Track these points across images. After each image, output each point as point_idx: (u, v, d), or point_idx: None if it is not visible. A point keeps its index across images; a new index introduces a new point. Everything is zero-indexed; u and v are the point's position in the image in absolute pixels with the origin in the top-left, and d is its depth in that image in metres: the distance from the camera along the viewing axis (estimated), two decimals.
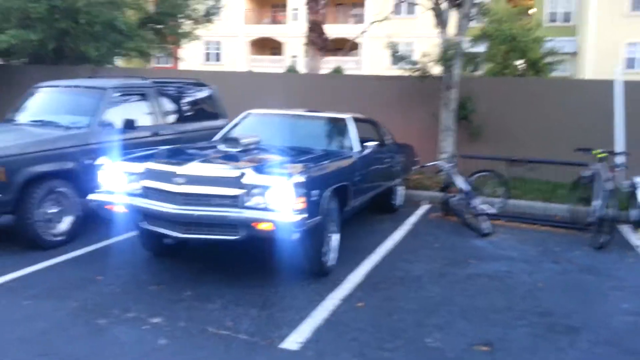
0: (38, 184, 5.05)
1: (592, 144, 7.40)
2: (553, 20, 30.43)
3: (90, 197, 4.52)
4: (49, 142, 5.24)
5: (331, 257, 4.76)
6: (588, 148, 6.81)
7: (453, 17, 9.05)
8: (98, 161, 4.54)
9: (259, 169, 4.14)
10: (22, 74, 12.11)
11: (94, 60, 12.61)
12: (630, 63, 26.36)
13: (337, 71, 25.87)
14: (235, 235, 4.06)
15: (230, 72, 16.49)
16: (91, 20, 11.18)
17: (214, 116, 7.75)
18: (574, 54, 29.35)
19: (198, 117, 7.46)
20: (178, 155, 4.73)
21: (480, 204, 6.91)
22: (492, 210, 7.16)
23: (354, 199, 5.22)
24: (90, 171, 5.43)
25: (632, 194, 7.06)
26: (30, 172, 4.97)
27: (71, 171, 5.39)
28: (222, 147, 4.75)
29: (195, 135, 6.91)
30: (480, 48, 23.74)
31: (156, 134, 6.51)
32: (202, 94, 7.79)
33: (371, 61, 32.00)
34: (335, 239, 4.88)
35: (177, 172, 4.07)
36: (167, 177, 4.11)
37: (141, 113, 6.43)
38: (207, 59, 34.90)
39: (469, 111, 9.32)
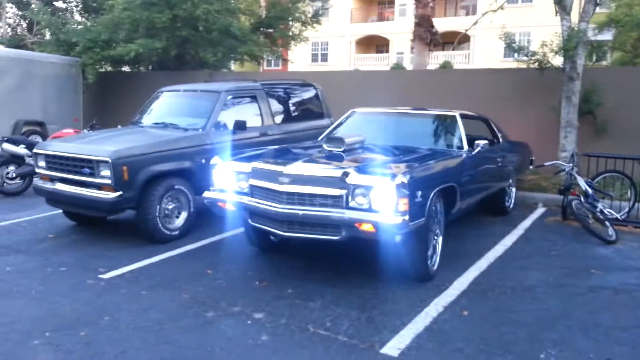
0: (159, 182, 5.45)
1: None
2: None
3: (205, 194, 4.78)
4: (168, 143, 5.64)
5: (435, 261, 4.59)
6: None
7: (576, 2, 8.32)
8: (212, 161, 4.78)
9: (362, 169, 4.09)
10: (148, 80, 13.24)
11: (212, 65, 13.42)
12: None
13: (445, 66, 25.09)
14: (337, 236, 4.05)
15: (336, 72, 16.65)
16: (209, 27, 11.88)
17: (320, 116, 7.85)
18: None
19: (304, 116, 7.60)
20: (284, 155, 4.84)
21: (606, 207, 6.27)
22: (621, 215, 6.47)
23: (462, 201, 4.97)
24: (205, 170, 5.78)
25: None
26: (151, 171, 5.38)
27: (188, 170, 5.75)
28: (326, 146, 4.76)
29: (301, 134, 7.05)
30: (606, 36, 21.67)
31: (265, 134, 6.73)
32: (308, 94, 7.92)
33: (483, 54, 30.57)
34: (439, 242, 4.70)
35: (283, 172, 4.15)
36: (273, 176, 4.21)
37: (251, 114, 6.69)
38: (315, 60, 35.60)
39: (594, 105, 8.49)
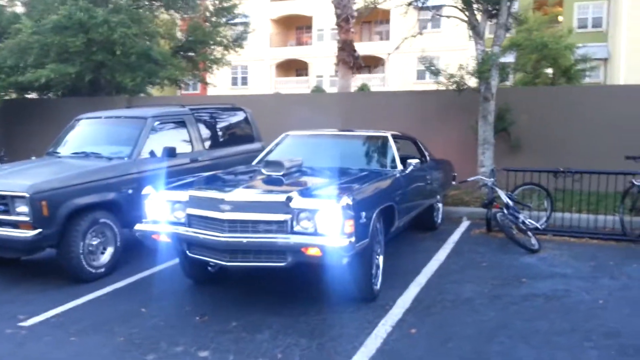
0: (82, 216, 5.08)
1: (637, 151, 7.09)
2: (583, 27, 29.84)
3: (137, 227, 4.50)
4: (91, 174, 5.28)
5: (378, 281, 4.61)
6: (639, 156, 6.51)
7: (487, 28, 8.91)
8: (144, 190, 4.52)
9: (306, 192, 4.05)
10: (60, 107, 12.46)
11: (129, 90, 12.89)
12: None
13: (363, 88, 25.88)
14: (283, 262, 3.96)
15: (257, 95, 16.62)
16: (127, 51, 11.43)
17: (250, 139, 7.75)
18: (605, 60, 28.66)
19: (235, 141, 7.47)
20: (221, 181, 4.69)
21: (526, 218, 6.66)
22: (540, 225, 6.89)
23: (399, 219, 5.08)
24: (132, 201, 5.48)
25: None
26: (73, 205, 5.00)
27: (114, 201, 5.42)
28: (265, 171, 4.68)
29: (233, 159, 6.90)
30: (509, 58, 23.41)
31: (195, 160, 6.52)
32: (238, 117, 7.81)
33: (397, 77, 31.92)
34: (381, 261, 4.74)
35: (224, 199, 4.01)
36: (213, 204, 4.06)
37: (180, 140, 6.47)
38: (235, 83, 35.41)
39: (508, 123, 9.09)
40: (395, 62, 30.85)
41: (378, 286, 4.62)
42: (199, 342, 3.80)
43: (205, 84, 16.42)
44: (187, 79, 15.70)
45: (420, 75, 31.89)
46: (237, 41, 14.75)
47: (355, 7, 12.00)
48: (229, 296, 4.72)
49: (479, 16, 8.68)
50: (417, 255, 6.00)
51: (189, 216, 4.22)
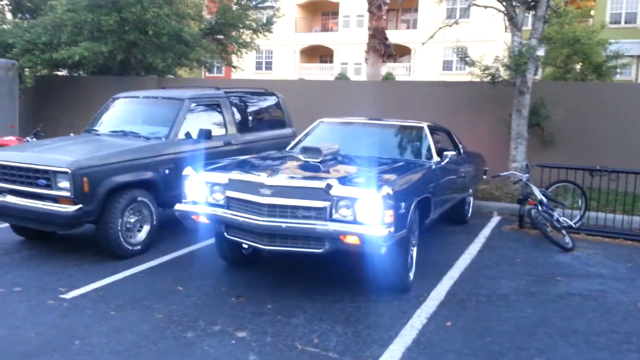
0: (121, 194, 5.14)
1: None
2: (616, 22, 29.11)
3: (177, 207, 4.54)
4: (130, 153, 5.34)
5: (412, 272, 4.60)
6: None
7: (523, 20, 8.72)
8: (184, 172, 4.56)
9: (346, 180, 4.04)
10: (92, 85, 12.62)
11: (159, 70, 12.98)
12: None
13: (388, 77, 25.63)
14: (320, 248, 3.97)
15: (281, 80, 16.60)
16: (158, 31, 11.49)
17: (282, 125, 7.75)
18: (638, 57, 27.94)
19: (267, 126, 7.48)
20: (260, 165, 4.70)
21: (560, 216, 6.57)
22: (574, 223, 6.79)
23: (434, 211, 5.04)
24: (168, 181, 5.54)
25: None
26: (113, 182, 5.07)
27: (151, 181, 5.47)
28: (302, 157, 4.67)
29: (264, 144, 6.93)
30: (540, 52, 22.97)
31: (229, 144, 6.55)
32: (270, 102, 7.80)
33: (423, 67, 31.56)
34: (415, 252, 4.73)
35: (265, 183, 4.02)
36: (253, 187, 4.07)
37: (215, 123, 6.49)
38: (259, 68, 35.39)
39: (542, 118, 8.92)
40: (421, 52, 30.48)
41: (412, 277, 4.61)
42: (236, 322, 3.84)
43: (233, 67, 16.41)
44: (215, 61, 15.74)
45: (447, 66, 31.50)
46: (266, 25, 14.71)
47: None
48: (263, 279, 4.76)
49: (517, 7, 8.50)
50: (449, 248, 5.96)
51: (228, 198, 4.24)
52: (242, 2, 14.67)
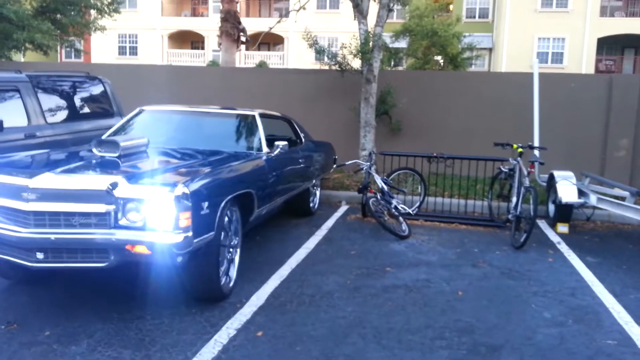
0: None
1: (509, 139, 7.28)
2: (471, 17, 31.34)
3: None
4: None
5: (231, 276, 4.15)
6: (507, 143, 6.64)
7: (373, 8, 8.68)
8: None
9: (135, 178, 3.43)
10: None
11: None
12: (542, 57, 27.58)
13: (261, 65, 25.15)
14: (104, 262, 3.35)
15: (145, 66, 15.34)
16: None
17: (108, 114, 6.88)
18: (490, 50, 30.38)
19: (88, 115, 6.58)
20: (37, 162, 3.91)
21: (400, 203, 6.56)
22: (412, 210, 6.85)
23: (261, 207, 4.63)
24: None
25: (549, 189, 6.99)
26: None
27: None
28: (97, 151, 3.98)
29: (84, 135, 6.08)
30: (402, 44, 23.93)
31: (32, 136, 5.59)
32: (94, 89, 6.88)
33: (296, 57, 31.50)
34: (236, 254, 4.28)
35: (29, 186, 3.28)
36: (16, 191, 3.31)
37: (12, 111, 5.49)
38: (122, 53, 32.87)
39: (389, 106, 9.00)
40: (295, 41, 30.35)
41: (232, 282, 4.16)
42: None
43: (77, 50, 14.78)
44: (55, 44, 14.02)
45: (318, 56, 31.76)
46: (113, 4, 13.37)
47: None
48: (50, 298, 4.00)
49: None
50: (287, 243, 5.63)
51: None
52: None
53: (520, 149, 6.42)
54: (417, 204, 7.05)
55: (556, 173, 6.62)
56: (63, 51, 27.39)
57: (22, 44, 12.06)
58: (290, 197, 5.72)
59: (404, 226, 6.09)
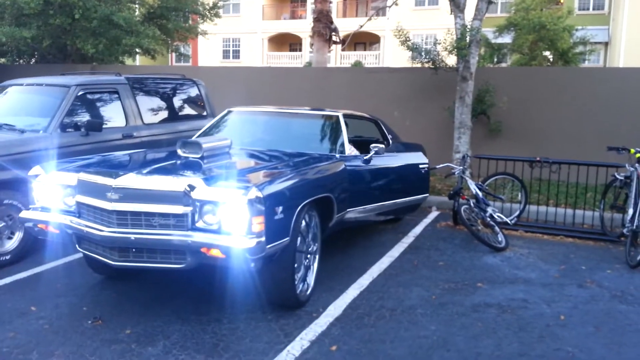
0: None
1: (626, 143, 6.45)
2: (585, 9, 28.89)
3: (22, 214, 3.85)
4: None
5: (309, 283, 4.00)
6: (623, 147, 5.87)
7: (471, 2, 8.16)
8: (31, 171, 3.87)
9: (213, 180, 3.39)
10: (15, 74, 11.69)
11: (97, 58, 12.12)
12: None
13: (357, 65, 25.01)
14: (181, 263, 3.34)
15: (237, 68, 15.86)
16: (88, 15, 10.64)
17: (202, 116, 7.06)
18: (606, 44, 27.81)
19: (183, 117, 6.79)
20: (122, 162, 4.02)
21: (496, 212, 6.05)
22: (510, 220, 6.29)
23: (341, 212, 4.44)
24: None
25: None
26: None
27: (23, 180, 4.74)
28: (181, 152, 4.02)
29: (179, 136, 6.20)
30: (507, 39, 22.54)
31: (129, 137, 5.86)
32: (189, 91, 7.09)
33: (392, 55, 31.00)
34: (315, 260, 4.13)
35: (112, 185, 3.36)
36: (101, 191, 3.41)
37: (112, 113, 5.80)
38: (226, 57, 34.40)
39: (487, 106, 8.40)
40: (391, 40, 29.89)
41: (309, 290, 4.01)
42: (76, 354, 3.19)
43: (180, 54, 15.59)
44: (162, 48, 14.89)
45: (415, 54, 30.99)
46: (214, 9, 13.91)
47: None
48: (136, 295, 4.11)
49: None
50: (370, 250, 5.39)
51: (79, 204, 3.57)
52: None
53: (638, 154, 5.65)
54: (517, 212, 6.46)
55: None
56: (173, 55, 29.20)
57: (132, 48, 12.92)
58: (389, 207, 5.39)
59: (500, 237, 5.59)
